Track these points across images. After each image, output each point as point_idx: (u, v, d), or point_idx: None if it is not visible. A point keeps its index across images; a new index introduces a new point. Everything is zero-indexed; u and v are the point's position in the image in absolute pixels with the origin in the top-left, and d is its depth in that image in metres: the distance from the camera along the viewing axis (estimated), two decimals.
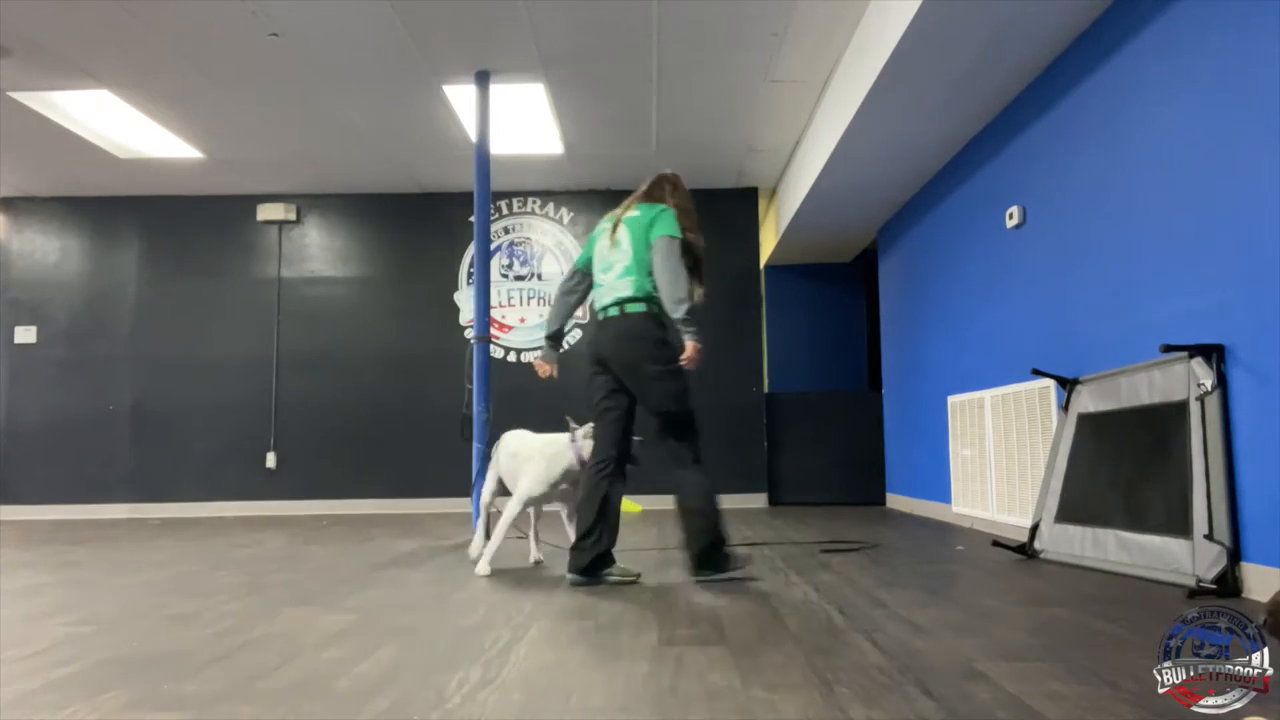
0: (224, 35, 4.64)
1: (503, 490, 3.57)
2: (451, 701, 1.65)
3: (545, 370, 3.48)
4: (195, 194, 7.34)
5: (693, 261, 3.24)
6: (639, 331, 3.15)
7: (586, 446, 3.27)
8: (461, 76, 5.17)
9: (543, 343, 3.52)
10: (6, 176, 6.92)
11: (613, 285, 3.22)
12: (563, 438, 3.35)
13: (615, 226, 3.27)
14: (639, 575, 3.19)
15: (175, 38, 4.67)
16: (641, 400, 3.19)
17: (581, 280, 3.43)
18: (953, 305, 5.49)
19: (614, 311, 3.19)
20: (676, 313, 3.10)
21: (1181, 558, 2.88)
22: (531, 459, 3.36)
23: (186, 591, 3.03)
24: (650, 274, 3.17)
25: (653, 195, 3.35)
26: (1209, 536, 2.77)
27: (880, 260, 7.29)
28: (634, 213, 3.28)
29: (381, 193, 7.41)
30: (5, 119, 5.65)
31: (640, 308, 3.16)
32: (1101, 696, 1.66)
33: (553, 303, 3.52)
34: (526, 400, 6.88)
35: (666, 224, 3.19)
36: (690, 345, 3.07)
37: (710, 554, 3.08)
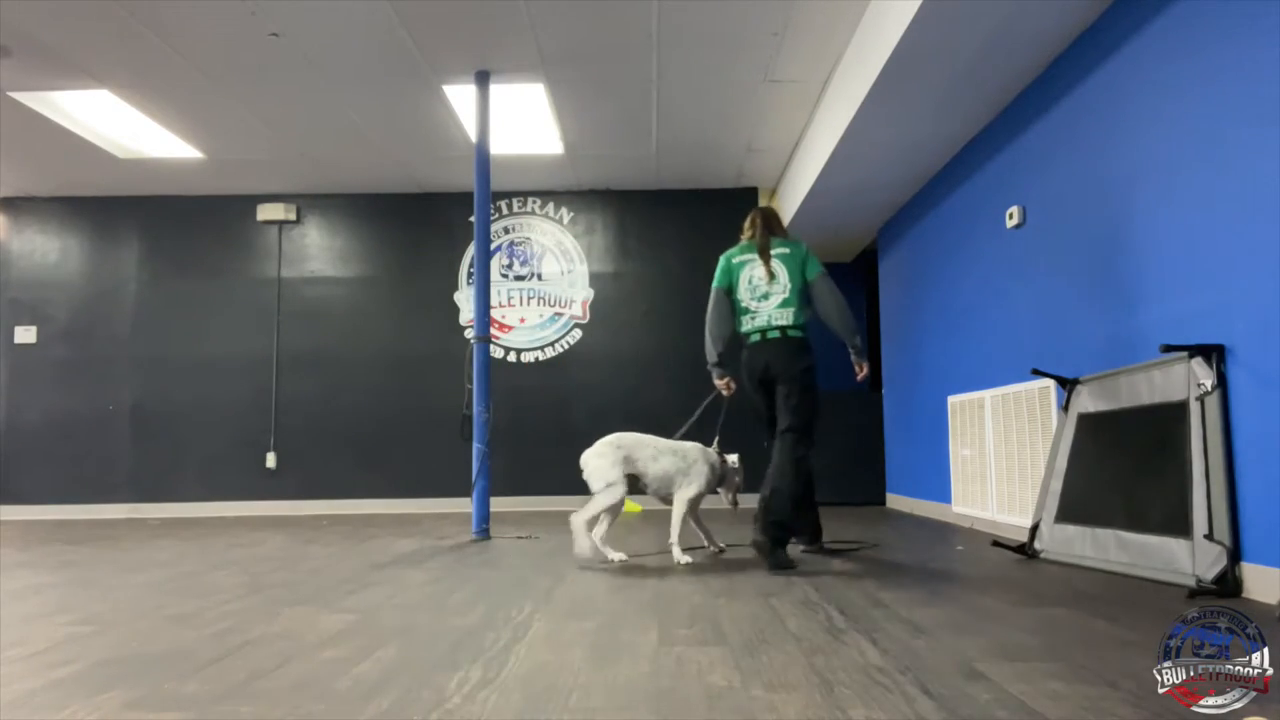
0: (224, 35, 4.64)
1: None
2: (451, 701, 1.65)
3: (729, 387, 3.94)
4: (195, 194, 7.35)
5: None
6: (802, 352, 3.69)
7: (734, 478, 3.77)
8: (461, 76, 5.17)
9: (714, 369, 3.90)
10: (6, 176, 6.93)
11: (771, 313, 3.72)
12: (702, 447, 3.77)
13: (766, 259, 3.73)
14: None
15: (175, 38, 4.67)
16: (784, 402, 3.64)
17: (730, 302, 3.86)
18: (953, 305, 5.49)
19: (775, 334, 3.70)
20: (855, 340, 3.76)
21: (1181, 558, 2.88)
22: (698, 461, 3.72)
23: (186, 591, 3.03)
24: (803, 306, 3.69)
25: (774, 231, 3.85)
26: (1209, 536, 2.77)
27: (880, 260, 7.28)
28: (783, 249, 3.76)
29: (381, 193, 7.41)
30: (5, 119, 5.65)
31: (800, 334, 3.71)
32: (1101, 696, 1.66)
33: (712, 327, 3.87)
34: (526, 400, 6.92)
35: (816, 262, 3.75)
36: (864, 365, 3.84)
37: (770, 546, 3.40)
